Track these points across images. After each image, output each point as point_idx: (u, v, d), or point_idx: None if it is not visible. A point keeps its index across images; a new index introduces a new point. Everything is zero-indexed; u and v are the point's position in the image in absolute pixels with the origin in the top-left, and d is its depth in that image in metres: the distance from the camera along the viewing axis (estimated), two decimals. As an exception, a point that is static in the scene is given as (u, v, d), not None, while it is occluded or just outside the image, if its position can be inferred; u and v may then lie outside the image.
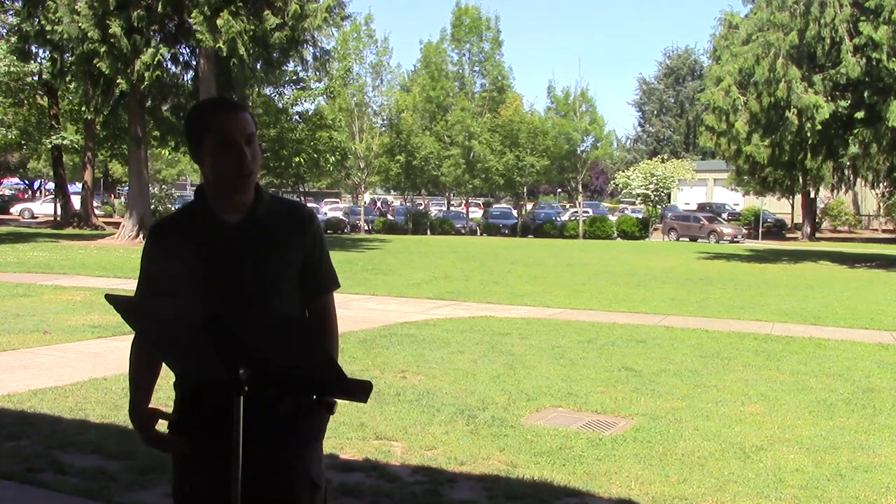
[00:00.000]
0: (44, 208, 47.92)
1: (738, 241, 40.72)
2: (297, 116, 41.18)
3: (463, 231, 45.11)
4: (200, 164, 2.27)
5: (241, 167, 2.21)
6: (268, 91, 37.12)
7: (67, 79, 28.74)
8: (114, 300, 2.18)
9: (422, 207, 52.72)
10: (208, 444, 2.22)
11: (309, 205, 48.91)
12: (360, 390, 2.05)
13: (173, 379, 2.39)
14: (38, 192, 61.18)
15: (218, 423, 2.14)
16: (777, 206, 50.71)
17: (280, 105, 39.74)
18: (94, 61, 25.17)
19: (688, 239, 42.17)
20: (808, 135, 25.32)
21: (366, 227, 43.68)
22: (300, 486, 2.28)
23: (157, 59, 25.37)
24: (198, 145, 2.24)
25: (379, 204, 57.65)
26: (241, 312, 2.13)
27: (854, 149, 25.47)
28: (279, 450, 2.25)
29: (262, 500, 2.22)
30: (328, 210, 49.52)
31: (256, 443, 2.14)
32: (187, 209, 2.35)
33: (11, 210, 50.30)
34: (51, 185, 50.49)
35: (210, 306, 2.10)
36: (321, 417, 2.36)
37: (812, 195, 44.97)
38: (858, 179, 36.97)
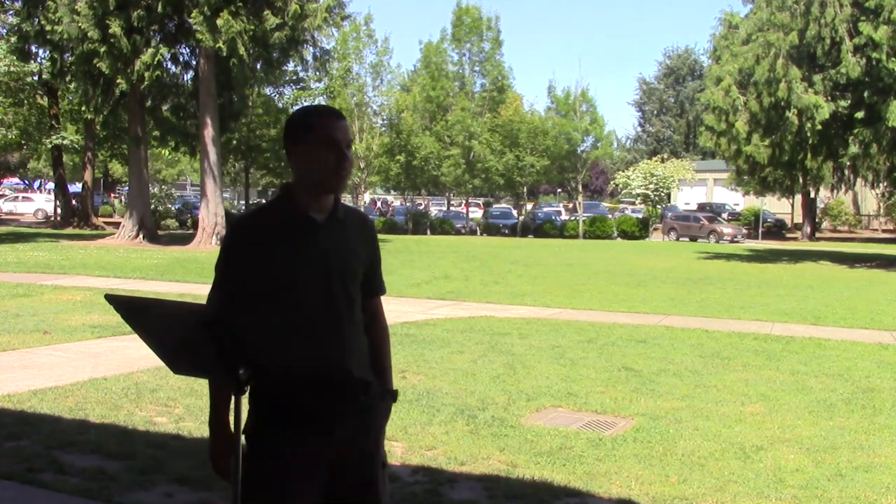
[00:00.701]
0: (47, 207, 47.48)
1: (737, 241, 40.73)
2: (297, 116, 41.15)
3: (463, 231, 45.10)
4: (295, 162, 2.42)
5: (340, 166, 2.38)
6: (268, 91, 37.17)
7: (67, 79, 28.76)
8: (114, 300, 2.18)
9: (422, 207, 52.71)
10: (304, 437, 2.34)
11: None
12: (362, 389, 2.11)
13: (173, 378, 2.39)
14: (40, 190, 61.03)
15: (312, 417, 2.32)
16: (777, 206, 50.71)
17: (280, 105, 39.76)
18: (94, 61, 25.18)
19: (688, 239, 42.18)
20: (808, 135, 25.32)
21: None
22: (377, 468, 2.48)
23: (157, 59, 25.38)
24: (295, 144, 2.41)
25: (379, 204, 57.67)
26: (325, 306, 2.35)
27: (854, 149, 25.47)
28: (361, 436, 2.43)
29: (348, 483, 2.40)
30: None
31: (342, 430, 2.36)
32: (270, 206, 2.50)
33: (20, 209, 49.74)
34: (51, 185, 50.42)
35: (295, 299, 2.31)
36: (388, 403, 2.56)
37: (812, 195, 44.98)
38: (858, 179, 37.04)
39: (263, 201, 50.68)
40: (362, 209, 45.55)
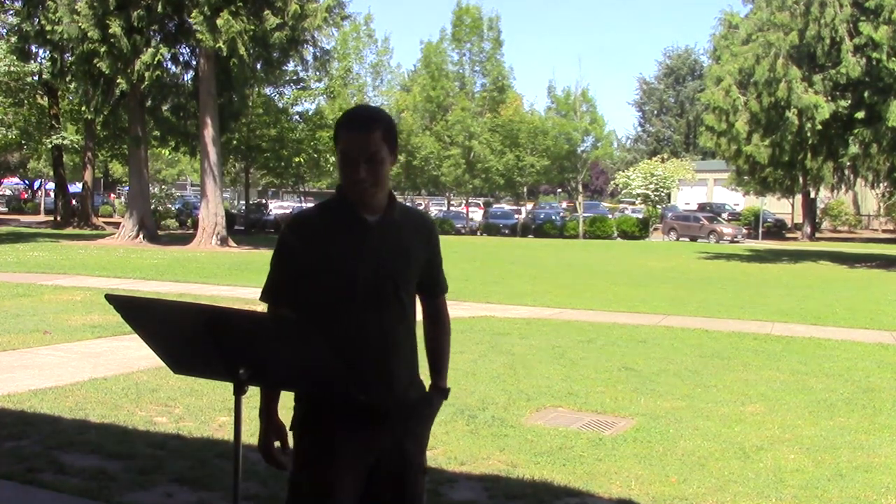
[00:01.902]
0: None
1: (737, 241, 40.71)
2: (297, 116, 41.21)
3: (463, 231, 45.10)
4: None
5: (354, 181, 2.34)
6: (268, 91, 37.15)
7: (67, 79, 28.78)
8: (114, 300, 2.19)
9: (422, 207, 52.73)
10: (351, 431, 2.38)
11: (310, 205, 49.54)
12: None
13: (173, 378, 2.40)
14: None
15: (358, 414, 2.35)
16: (777, 206, 50.70)
17: (280, 105, 39.76)
18: (94, 61, 25.19)
19: (688, 239, 42.18)
20: (808, 135, 25.33)
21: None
22: (417, 473, 2.51)
23: (157, 59, 25.39)
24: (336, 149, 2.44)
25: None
26: (373, 306, 2.36)
27: (854, 149, 25.47)
28: (406, 438, 2.45)
29: (386, 483, 2.43)
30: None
31: (387, 430, 2.39)
32: (326, 205, 2.48)
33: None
34: (51, 185, 50.36)
35: (344, 297, 2.34)
36: (435, 406, 2.60)
37: (812, 195, 44.97)
38: (858, 179, 36.98)
39: (263, 201, 50.41)
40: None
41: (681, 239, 42.50)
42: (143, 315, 2.31)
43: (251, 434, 2.54)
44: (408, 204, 2.56)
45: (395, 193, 2.46)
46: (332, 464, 2.33)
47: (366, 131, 2.32)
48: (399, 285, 2.40)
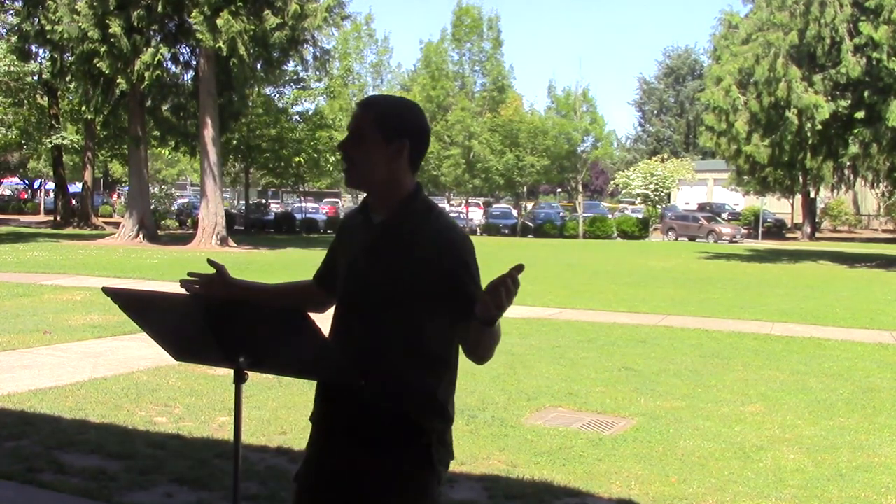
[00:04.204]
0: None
1: (736, 241, 40.67)
2: (297, 116, 41.20)
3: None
4: None
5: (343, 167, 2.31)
6: (268, 91, 37.15)
7: (67, 79, 28.77)
8: (111, 293, 2.18)
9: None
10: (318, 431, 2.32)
11: (310, 205, 48.63)
12: (358, 377, 2.10)
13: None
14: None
15: (319, 420, 2.29)
16: (777, 206, 50.70)
17: (280, 105, 39.76)
18: (94, 61, 25.19)
19: (686, 239, 42.19)
20: (808, 135, 25.32)
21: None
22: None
23: (157, 58, 25.39)
24: None
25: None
26: (344, 310, 2.25)
27: (854, 149, 25.47)
28: (347, 472, 2.27)
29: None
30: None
31: (331, 450, 2.24)
32: (363, 201, 2.41)
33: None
34: (51, 185, 50.34)
35: (335, 295, 2.30)
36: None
37: (812, 195, 44.97)
38: (858, 179, 37.01)
39: (263, 201, 50.34)
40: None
41: (679, 239, 42.49)
42: (141, 307, 2.31)
43: (251, 434, 2.54)
44: (443, 213, 2.27)
45: (427, 199, 2.29)
46: (309, 457, 2.33)
47: (360, 110, 2.26)
48: (382, 298, 2.17)
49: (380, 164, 2.21)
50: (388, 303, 2.17)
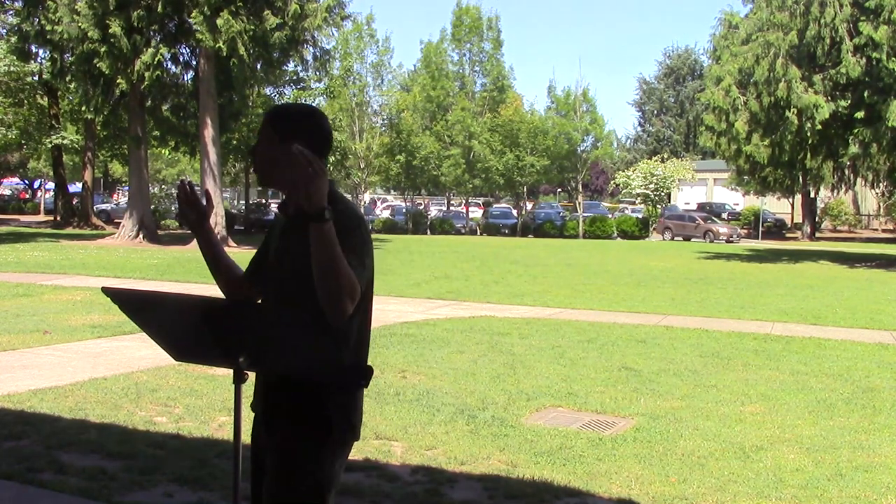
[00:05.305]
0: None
1: (732, 241, 40.60)
2: (297, 116, 41.10)
3: (463, 231, 45.09)
4: None
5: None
6: (268, 91, 37.13)
7: (67, 79, 28.73)
8: (111, 293, 2.18)
9: (422, 207, 52.73)
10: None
11: None
12: (360, 376, 2.11)
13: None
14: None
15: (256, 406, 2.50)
16: (777, 206, 50.70)
17: (280, 105, 39.70)
18: (94, 61, 25.18)
19: (681, 238, 42.20)
20: (808, 135, 25.32)
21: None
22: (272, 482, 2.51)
23: (157, 59, 25.38)
24: None
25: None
26: (271, 301, 2.42)
27: (854, 149, 25.47)
28: (271, 447, 2.47)
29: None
30: None
31: (261, 426, 2.48)
32: None
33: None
34: (51, 185, 50.30)
35: (268, 283, 2.48)
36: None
37: (812, 195, 44.97)
38: (858, 179, 37.01)
39: (263, 201, 50.57)
40: (362, 207, 45.54)
41: (675, 238, 42.51)
42: (140, 307, 2.32)
43: (251, 433, 2.55)
44: (346, 203, 2.41)
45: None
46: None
47: (264, 117, 2.52)
48: (286, 283, 2.39)
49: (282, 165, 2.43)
50: (297, 287, 2.33)
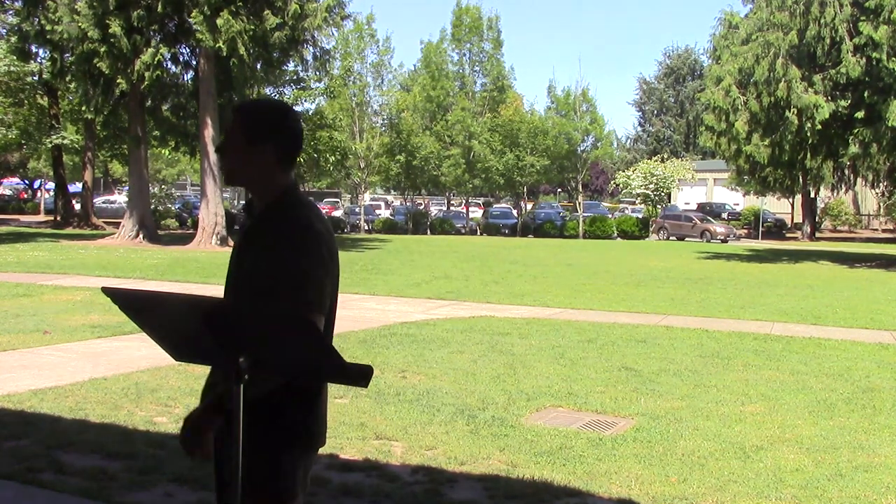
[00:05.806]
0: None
1: (729, 241, 40.57)
2: (296, 116, 41.11)
3: (463, 231, 45.09)
4: None
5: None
6: (268, 91, 37.10)
7: (67, 79, 28.75)
8: (111, 293, 2.18)
9: (422, 207, 52.72)
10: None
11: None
12: (360, 376, 2.09)
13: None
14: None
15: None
16: (777, 206, 50.71)
17: (280, 105, 39.66)
18: (94, 61, 25.18)
19: (675, 238, 42.22)
20: (808, 135, 25.32)
21: (366, 227, 43.68)
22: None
23: (157, 58, 25.37)
24: None
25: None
26: (238, 304, 2.32)
27: (854, 149, 25.46)
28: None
29: None
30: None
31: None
32: None
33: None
34: (51, 185, 50.28)
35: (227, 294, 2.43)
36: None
37: (812, 195, 44.97)
38: (858, 179, 37.03)
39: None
40: (362, 207, 45.52)
41: (671, 238, 42.52)
42: (140, 307, 2.31)
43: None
44: (301, 211, 2.37)
45: (296, 197, 2.41)
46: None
47: (231, 115, 2.47)
48: (244, 287, 2.38)
49: (247, 164, 2.41)
50: (248, 290, 2.34)
